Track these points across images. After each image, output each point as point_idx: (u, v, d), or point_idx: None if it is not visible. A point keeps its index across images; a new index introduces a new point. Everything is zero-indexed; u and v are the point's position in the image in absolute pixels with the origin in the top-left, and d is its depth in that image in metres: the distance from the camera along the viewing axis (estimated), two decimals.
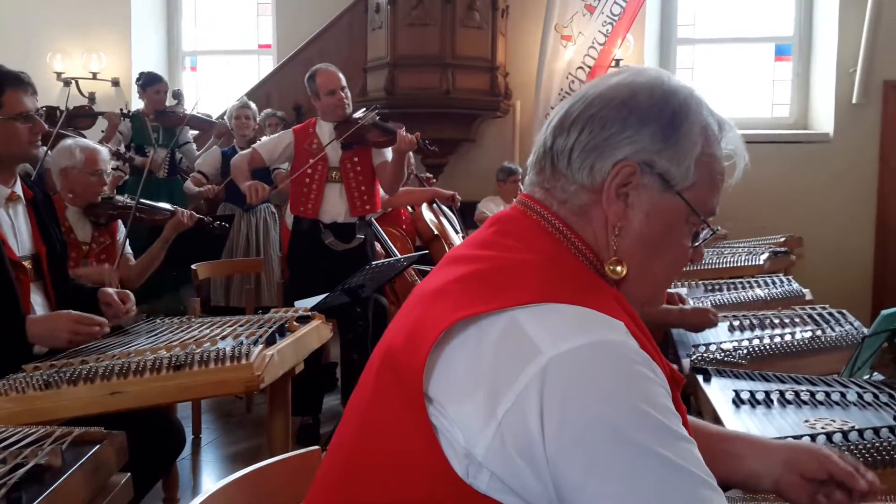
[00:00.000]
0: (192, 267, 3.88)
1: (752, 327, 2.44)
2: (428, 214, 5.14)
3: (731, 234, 5.37)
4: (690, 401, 1.88)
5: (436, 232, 5.06)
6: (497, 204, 5.69)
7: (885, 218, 6.50)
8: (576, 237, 0.96)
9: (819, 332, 2.29)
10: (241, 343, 2.06)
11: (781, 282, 3.24)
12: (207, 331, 2.25)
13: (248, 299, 4.46)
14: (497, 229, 0.99)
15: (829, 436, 1.40)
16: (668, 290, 2.63)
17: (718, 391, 1.77)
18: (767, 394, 1.68)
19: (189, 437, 3.64)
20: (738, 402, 1.68)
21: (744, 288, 3.16)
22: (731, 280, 3.34)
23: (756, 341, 2.23)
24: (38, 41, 7.45)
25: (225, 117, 5.63)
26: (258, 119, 5.48)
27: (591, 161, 0.95)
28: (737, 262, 4.09)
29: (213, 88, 7.93)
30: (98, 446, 1.36)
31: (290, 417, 2.47)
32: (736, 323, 2.48)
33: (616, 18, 6.19)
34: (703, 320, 2.39)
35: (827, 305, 2.60)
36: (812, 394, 1.68)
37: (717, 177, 0.99)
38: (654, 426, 0.78)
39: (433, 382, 0.85)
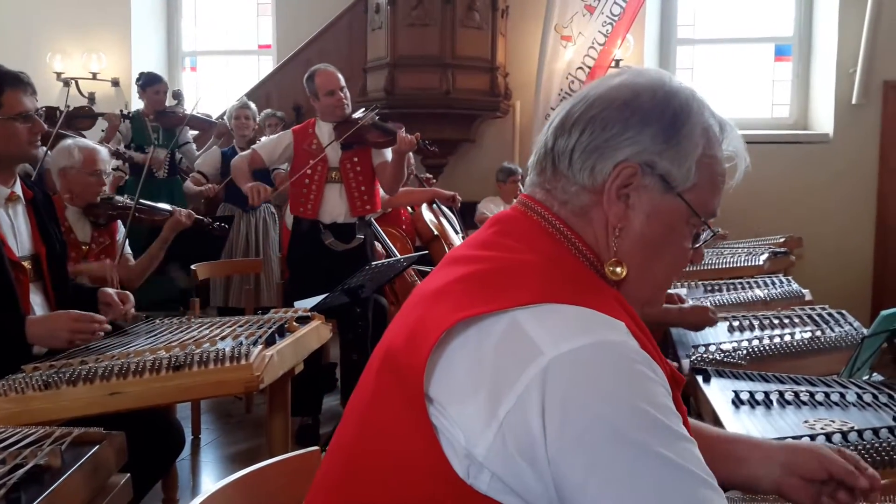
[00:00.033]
0: (192, 267, 3.87)
1: (751, 328, 2.44)
2: (428, 215, 5.14)
3: (730, 235, 5.37)
4: (690, 401, 1.88)
5: (435, 232, 5.06)
6: (497, 204, 5.69)
7: (884, 218, 6.50)
8: (576, 238, 0.96)
9: (819, 333, 2.29)
10: (241, 343, 2.06)
11: (781, 282, 3.23)
12: (207, 331, 2.25)
13: (248, 300, 4.46)
14: (498, 230, 0.99)
15: (828, 436, 1.40)
16: (668, 290, 2.63)
17: (718, 392, 1.77)
18: (767, 394, 1.68)
19: (188, 437, 3.64)
20: (737, 402, 1.68)
21: (743, 288, 3.16)
22: (731, 280, 3.34)
23: (755, 342, 2.23)
24: (38, 41, 7.46)
25: (225, 117, 5.63)
26: (258, 119, 5.48)
27: (592, 162, 0.95)
28: (736, 262, 4.09)
29: (213, 89, 7.93)
30: (97, 447, 1.36)
31: (289, 418, 2.47)
32: (735, 323, 2.48)
33: (616, 19, 6.19)
34: (702, 319, 2.39)
35: (826, 306, 2.60)
36: (811, 394, 1.67)
37: (718, 178, 0.99)
38: (655, 426, 0.78)
39: (434, 383, 0.85)
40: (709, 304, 2.85)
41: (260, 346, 2.03)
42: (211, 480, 3.45)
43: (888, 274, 6.49)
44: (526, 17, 6.68)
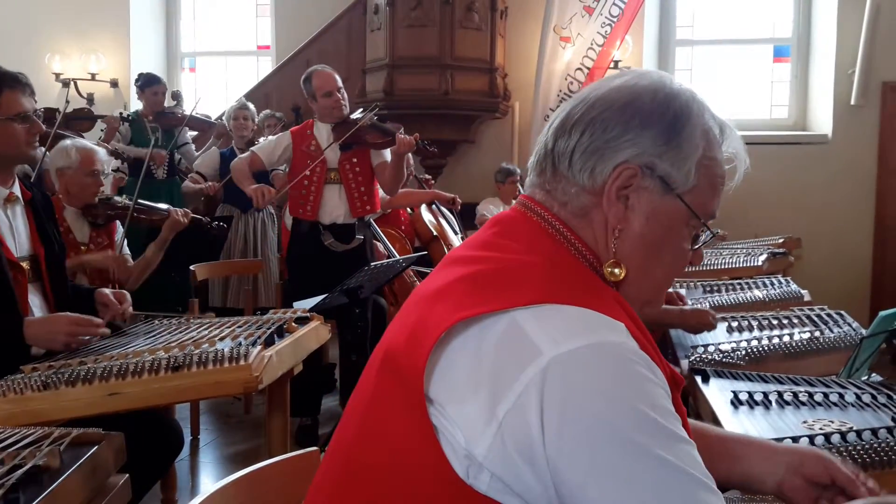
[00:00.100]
0: (191, 268, 3.87)
1: (750, 328, 2.44)
2: (427, 216, 5.14)
3: (729, 236, 5.38)
4: (689, 401, 1.88)
5: (435, 233, 5.06)
6: (496, 205, 5.69)
7: (883, 219, 6.51)
8: (576, 239, 0.96)
9: (817, 333, 2.29)
10: (240, 344, 2.06)
11: (780, 283, 3.24)
12: (206, 332, 2.25)
13: (247, 300, 4.46)
14: (497, 230, 0.99)
15: (827, 437, 1.40)
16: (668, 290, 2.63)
17: (717, 392, 1.77)
18: (766, 395, 1.68)
19: (187, 437, 3.63)
20: (736, 402, 1.68)
21: (742, 289, 3.16)
22: (730, 281, 3.34)
23: (754, 342, 2.23)
24: (37, 42, 7.46)
25: (223, 118, 5.63)
26: (257, 120, 5.47)
27: (592, 163, 0.95)
28: (735, 263, 4.10)
29: (212, 89, 7.93)
30: (96, 447, 1.36)
31: (288, 418, 2.47)
32: (734, 324, 2.48)
33: (615, 20, 6.19)
34: (701, 322, 2.39)
35: (825, 306, 2.60)
36: (810, 395, 1.68)
37: (718, 180, 0.99)
38: (654, 428, 0.78)
39: (434, 383, 0.85)
40: (708, 304, 2.85)
41: (259, 347, 2.03)
42: (210, 481, 3.45)
43: (887, 274, 6.50)
44: (525, 18, 6.68)
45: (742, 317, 2.54)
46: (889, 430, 1.40)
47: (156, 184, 5.35)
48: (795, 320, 2.47)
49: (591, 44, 6.22)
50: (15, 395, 1.83)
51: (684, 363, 2.13)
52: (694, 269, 3.78)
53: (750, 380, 1.85)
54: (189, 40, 8.16)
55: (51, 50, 7.43)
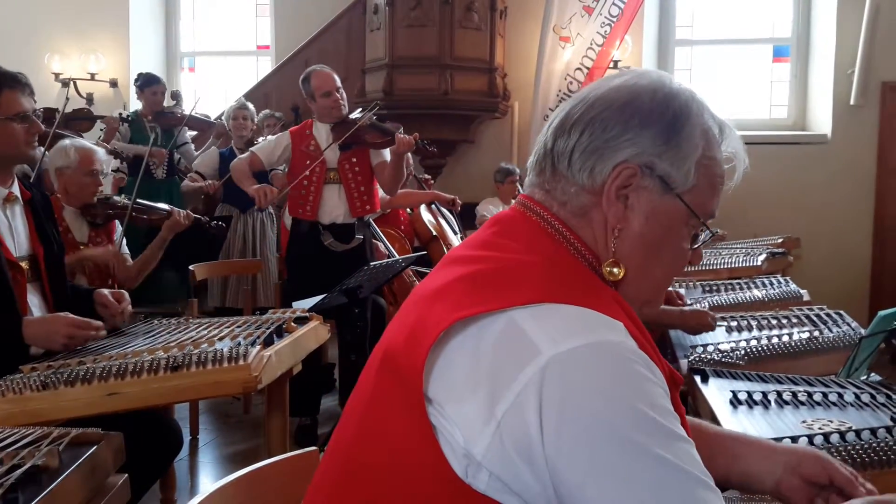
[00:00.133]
0: (191, 268, 3.87)
1: (749, 328, 2.44)
2: (426, 215, 5.14)
3: (729, 235, 5.38)
4: (688, 401, 1.88)
5: (434, 233, 5.06)
6: (496, 205, 5.69)
7: (882, 219, 6.51)
8: (575, 238, 0.96)
9: (816, 333, 2.29)
10: (239, 344, 2.06)
11: (779, 283, 3.24)
12: (205, 332, 2.25)
13: (246, 300, 4.46)
14: (497, 230, 0.99)
15: (826, 436, 1.40)
16: (668, 289, 2.63)
17: (716, 392, 1.77)
18: (765, 394, 1.68)
19: (187, 437, 3.63)
20: (735, 402, 1.68)
21: (741, 289, 3.16)
22: (729, 281, 3.35)
23: (754, 342, 2.23)
24: (36, 42, 7.45)
25: (223, 118, 5.63)
26: (256, 120, 5.47)
27: (591, 163, 0.95)
28: (735, 262, 4.10)
29: (212, 89, 7.92)
30: (95, 447, 1.36)
31: (287, 418, 2.47)
32: (734, 324, 2.48)
33: (614, 20, 6.20)
34: (701, 323, 2.39)
35: (824, 306, 2.60)
36: (809, 394, 1.68)
37: (718, 180, 0.99)
38: (653, 427, 0.78)
39: (432, 383, 0.85)
40: (707, 304, 2.85)
41: (258, 347, 2.03)
42: (209, 481, 3.45)
43: (886, 274, 6.50)
44: (524, 17, 6.68)
45: (741, 316, 2.54)
46: (888, 429, 1.40)
47: (155, 183, 5.35)
48: (794, 320, 2.47)
49: (591, 44, 6.22)
50: (14, 394, 1.83)
51: (683, 363, 2.13)
52: (693, 268, 3.78)
53: (749, 379, 1.85)
54: (188, 40, 8.16)
55: (50, 50, 7.43)
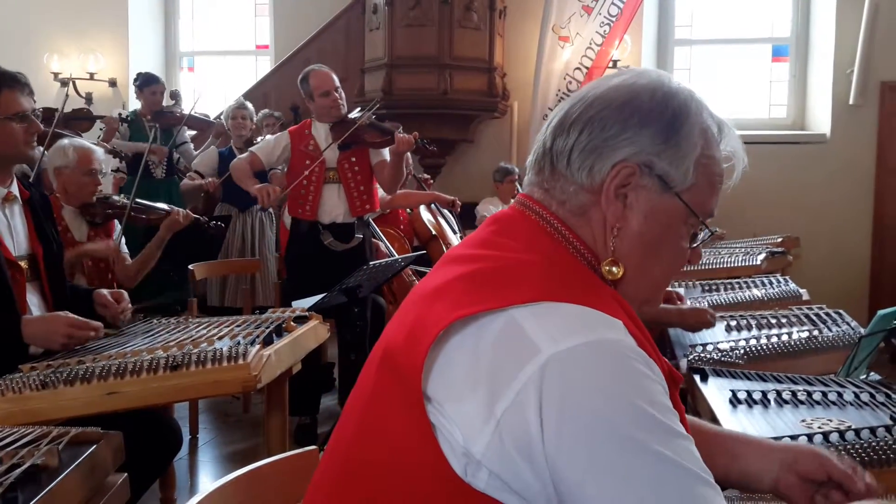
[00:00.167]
0: (190, 267, 3.87)
1: (749, 327, 2.44)
2: (426, 215, 5.14)
3: (728, 235, 5.38)
4: (687, 400, 1.88)
5: (434, 232, 5.06)
6: (495, 205, 5.69)
7: (881, 218, 6.51)
8: (574, 237, 0.96)
9: (816, 332, 2.29)
10: (238, 343, 2.06)
11: (778, 282, 3.24)
12: (204, 331, 2.24)
13: (246, 299, 4.46)
14: (496, 229, 0.99)
15: (825, 435, 1.40)
16: (667, 289, 2.63)
17: (715, 391, 1.77)
18: (764, 394, 1.68)
19: (186, 437, 3.63)
20: (734, 401, 1.68)
21: (741, 288, 3.16)
22: (729, 280, 3.35)
23: (753, 341, 2.23)
24: (35, 41, 7.45)
25: (222, 117, 5.63)
26: (255, 119, 5.47)
27: (590, 162, 0.95)
28: (734, 262, 4.10)
29: (211, 89, 7.92)
30: (95, 446, 1.36)
31: (287, 417, 2.47)
32: (733, 323, 2.48)
33: (613, 19, 6.20)
34: (700, 321, 2.40)
35: (824, 305, 2.60)
36: (809, 394, 1.68)
37: (716, 179, 0.99)
38: (652, 424, 0.78)
39: (432, 381, 0.85)
40: (706, 303, 2.85)
41: (257, 346, 2.03)
42: (209, 480, 3.45)
43: (885, 273, 6.50)
44: (524, 17, 6.68)
45: (741, 316, 2.54)
46: (887, 428, 1.40)
47: (154, 183, 5.35)
48: (794, 319, 2.47)
49: (590, 43, 6.22)
50: (13, 394, 1.82)
51: (683, 362, 2.13)
52: (693, 268, 3.77)
53: (748, 379, 1.85)
54: (188, 40, 8.16)
55: (49, 49, 7.42)
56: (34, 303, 2.33)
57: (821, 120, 6.68)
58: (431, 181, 6.08)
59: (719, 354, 2.16)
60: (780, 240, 5.34)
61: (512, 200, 1.05)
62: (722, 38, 7.16)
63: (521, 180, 5.50)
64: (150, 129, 5.53)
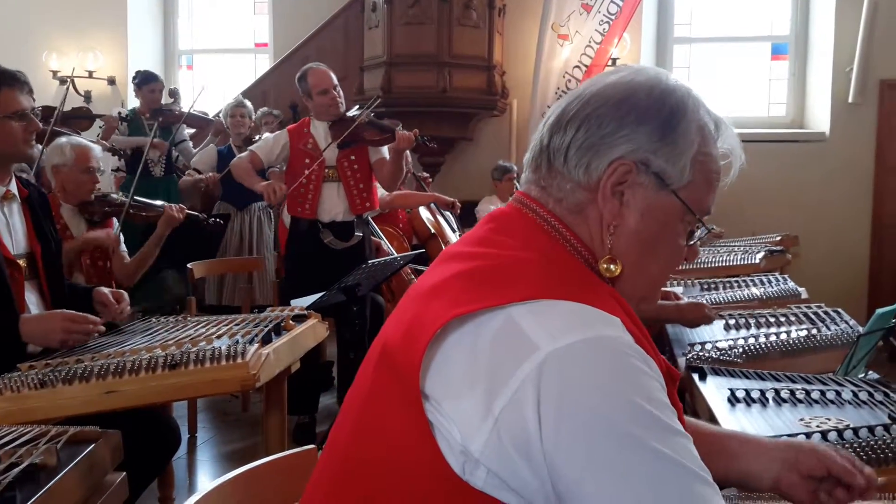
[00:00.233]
0: (189, 266, 3.87)
1: (747, 326, 2.45)
2: (425, 213, 5.14)
3: (727, 233, 5.38)
4: (686, 399, 1.89)
5: (433, 231, 5.06)
6: (495, 204, 5.69)
7: (880, 217, 6.51)
8: (571, 235, 0.96)
9: (814, 331, 2.29)
10: (237, 342, 2.06)
11: (777, 280, 3.24)
12: (203, 330, 2.24)
13: (245, 298, 4.46)
14: (493, 227, 0.99)
15: (824, 434, 1.40)
16: (665, 288, 2.64)
17: (714, 390, 1.77)
18: (763, 392, 1.68)
19: (185, 435, 3.63)
20: (733, 400, 1.68)
21: (740, 287, 3.16)
22: (727, 279, 3.35)
23: (752, 340, 2.23)
24: (34, 40, 7.44)
25: (220, 116, 5.62)
26: (254, 117, 5.47)
27: (587, 159, 0.95)
28: (733, 260, 4.09)
29: (210, 87, 7.91)
30: (93, 445, 1.36)
31: (286, 416, 2.47)
32: (731, 321, 2.48)
33: (613, 17, 6.19)
34: (699, 316, 2.40)
35: (822, 304, 2.60)
36: (807, 392, 1.68)
37: (713, 176, 0.99)
38: (650, 421, 0.78)
39: (430, 379, 0.85)
40: (705, 302, 2.85)
41: (256, 345, 2.03)
42: (207, 479, 3.45)
43: (884, 272, 6.50)
44: (523, 15, 6.67)
45: (739, 314, 2.54)
46: (886, 427, 1.40)
47: (153, 181, 5.35)
48: (793, 318, 2.47)
49: (590, 41, 6.22)
50: (12, 393, 1.82)
51: (681, 361, 2.13)
52: (691, 266, 3.78)
53: (747, 377, 1.85)
54: (186, 38, 8.15)
55: (48, 48, 7.41)
56: (33, 301, 2.33)
57: (820, 118, 6.68)
58: (431, 179, 6.08)
59: (718, 353, 2.16)
60: (778, 238, 5.34)
61: (510, 199, 1.05)
62: (721, 36, 7.15)
63: (519, 178, 5.49)
64: (150, 128, 5.54)
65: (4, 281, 2.19)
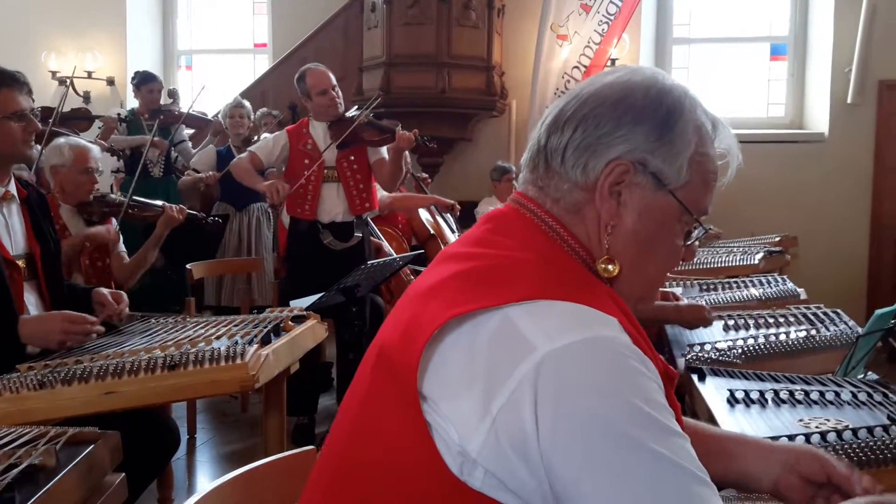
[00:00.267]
0: (188, 266, 3.86)
1: (746, 327, 2.44)
2: (424, 214, 5.14)
3: (725, 234, 5.38)
4: (685, 400, 1.89)
5: (432, 232, 5.06)
6: (494, 205, 5.68)
7: (879, 217, 6.52)
8: (569, 235, 0.96)
9: (813, 332, 2.29)
10: (236, 343, 2.06)
11: (776, 281, 3.23)
12: (202, 330, 2.24)
13: (243, 299, 4.46)
14: (491, 227, 0.99)
15: (823, 435, 1.40)
16: (664, 289, 2.64)
17: (713, 390, 1.77)
18: (762, 393, 1.68)
19: (184, 436, 3.63)
20: (732, 401, 1.68)
21: (739, 287, 3.16)
22: (727, 280, 3.34)
23: (751, 341, 2.23)
24: (33, 40, 7.44)
25: (219, 116, 5.62)
26: (253, 118, 5.47)
27: (584, 159, 0.95)
28: (732, 261, 4.09)
29: (209, 87, 7.90)
30: (92, 446, 1.36)
31: (285, 417, 2.46)
32: (731, 322, 2.48)
33: (612, 18, 6.20)
34: (698, 317, 2.40)
35: (822, 305, 2.60)
36: (806, 393, 1.68)
37: (710, 176, 1.00)
38: (647, 421, 0.78)
39: (427, 380, 0.85)
40: (704, 303, 2.85)
41: (255, 346, 2.03)
42: (206, 480, 3.45)
43: (883, 273, 6.51)
44: (522, 16, 6.68)
45: (738, 315, 2.54)
46: (885, 428, 1.40)
47: (152, 182, 5.35)
48: (792, 319, 2.47)
49: (588, 42, 6.23)
50: (11, 393, 1.82)
51: (681, 361, 2.13)
52: (691, 267, 3.78)
53: (746, 378, 1.85)
54: (186, 38, 8.15)
55: (47, 48, 7.41)
56: (31, 302, 2.33)
57: (819, 119, 6.68)
58: (430, 180, 6.08)
59: (717, 354, 2.16)
60: (777, 239, 5.34)
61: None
62: (720, 36, 7.16)
63: (518, 178, 5.49)
64: (149, 128, 5.54)
65: (3, 282, 2.18)
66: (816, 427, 1.50)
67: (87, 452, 1.34)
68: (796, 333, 2.28)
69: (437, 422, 0.82)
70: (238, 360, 1.94)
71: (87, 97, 7.35)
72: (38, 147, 3.59)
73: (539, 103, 6.19)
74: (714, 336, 2.39)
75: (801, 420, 1.56)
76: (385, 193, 4.58)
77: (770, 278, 3.31)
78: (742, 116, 6.81)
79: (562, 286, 0.87)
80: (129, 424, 1.72)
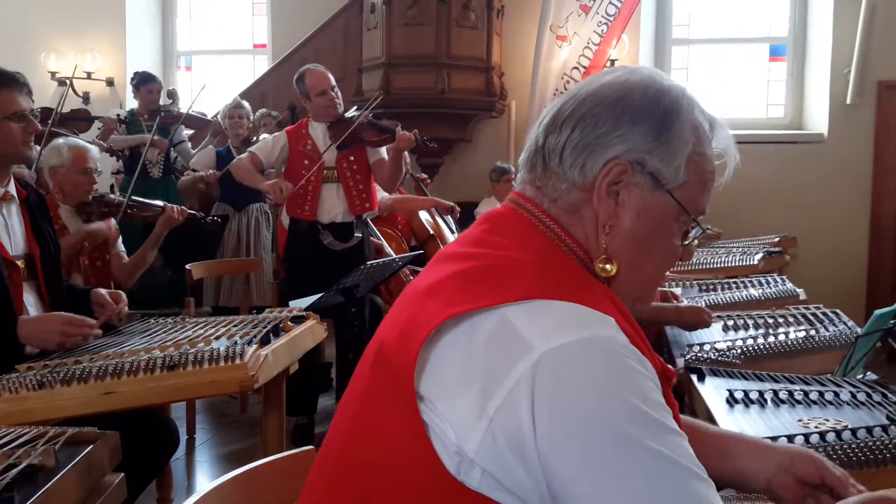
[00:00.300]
0: (187, 267, 3.86)
1: (746, 327, 2.44)
2: (424, 214, 5.14)
3: (725, 234, 5.38)
4: (684, 400, 1.89)
5: (431, 232, 5.06)
6: (494, 206, 5.67)
7: (878, 218, 6.52)
8: (566, 235, 0.96)
9: (813, 332, 2.29)
10: (236, 343, 2.06)
11: (775, 281, 3.24)
12: (201, 331, 2.24)
13: (242, 299, 4.45)
14: (488, 227, 0.99)
15: (822, 435, 1.40)
16: (663, 289, 2.64)
17: (712, 391, 1.77)
18: (761, 393, 1.68)
19: (183, 437, 3.63)
20: (731, 401, 1.68)
21: (738, 288, 3.16)
22: (726, 280, 3.35)
23: (750, 341, 2.23)
24: (33, 41, 7.44)
25: (219, 117, 5.62)
26: (253, 119, 5.47)
27: (582, 159, 0.95)
28: (731, 261, 4.10)
29: (209, 87, 7.90)
30: (91, 446, 1.36)
31: (284, 417, 2.46)
32: (730, 322, 2.48)
33: (611, 19, 6.20)
34: (697, 319, 2.40)
35: (821, 305, 2.60)
36: (805, 393, 1.68)
37: (708, 176, 1.00)
38: (645, 420, 0.79)
39: (424, 380, 0.85)
40: (703, 303, 2.86)
41: (254, 346, 2.03)
42: (206, 480, 3.44)
43: (882, 273, 6.51)
44: (521, 16, 6.68)
45: (738, 315, 2.54)
46: (884, 428, 1.40)
47: (151, 182, 5.35)
48: (791, 319, 2.47)
49: (588, 42, 6.23)
50: (10, 394, 1.82)
51: (680, 361, 2.13)
52: (690, 267, 3.78)
53: (745, 378, 1.85)
54: (185, 39, 8.16)
55: (47, 49, 7.41)
56: (31, 302, 2.33)
57: (818, 119, 6.69)
58: (429, 181, 6.08)
59: (716, 354, 2.16)
60: (777, 239, 5.34)
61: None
62: (719, 37, 7.17)
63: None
64: (148, 129, 5.54)
65: (3, 282, 2.18)
66: (815, 427, 1.50)
67: (86, 452, 1.34)
68: (795, 334, 2.28)
69: (434, 421, 0.82)
70: (237, 361, 1.94)
71: (86, 98, 7.35)
72: (38, 148, 3.60)
73: (538, 104, 6.20)
74: (713, 336, 2.40)
75: (800, 420, 1.56)
76: (385, 195, 4.58)
77: (769, 279, 3.31)
78: (741, 117, 6.81)
79: (559, 286, 0.87)
80: (129, 424, 1.72)
